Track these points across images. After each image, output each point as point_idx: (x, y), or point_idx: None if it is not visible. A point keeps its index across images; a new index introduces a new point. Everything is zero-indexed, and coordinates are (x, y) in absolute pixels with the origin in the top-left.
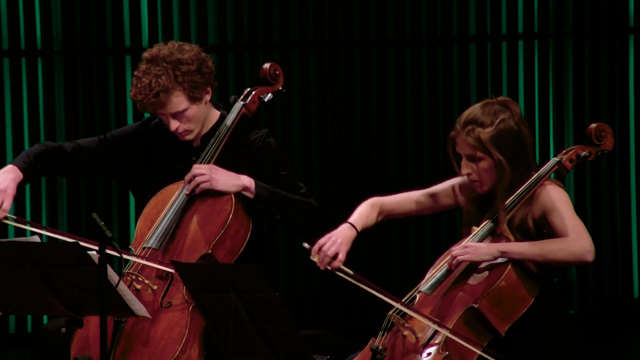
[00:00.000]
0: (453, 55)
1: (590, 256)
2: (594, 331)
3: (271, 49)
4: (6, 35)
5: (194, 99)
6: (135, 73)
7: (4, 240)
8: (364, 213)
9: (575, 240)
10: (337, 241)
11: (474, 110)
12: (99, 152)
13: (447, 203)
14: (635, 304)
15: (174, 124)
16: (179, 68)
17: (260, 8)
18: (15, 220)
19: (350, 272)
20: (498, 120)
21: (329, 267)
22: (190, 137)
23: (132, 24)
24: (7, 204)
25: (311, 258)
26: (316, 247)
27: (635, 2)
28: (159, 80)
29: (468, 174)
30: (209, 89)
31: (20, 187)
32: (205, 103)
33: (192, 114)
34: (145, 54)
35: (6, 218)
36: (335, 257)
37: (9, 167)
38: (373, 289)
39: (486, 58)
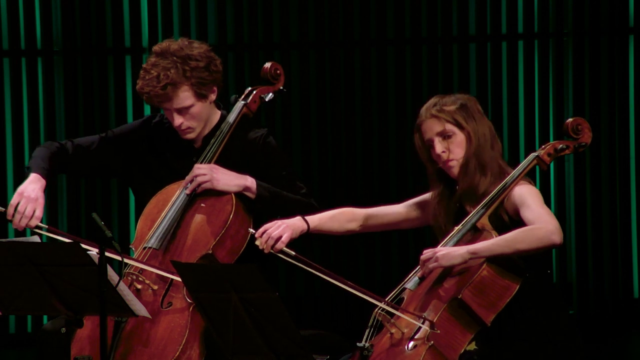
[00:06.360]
0: (453, 55)
1: (556, 238)
2: (594, 331)
3: (271, 49)
4: (6, 35)
5: (200, 96)
6: (144, 66)
7: (4, 240)
8: (325, 214)
9: (538, 226)
10: (281, 225)
11: (432, 99)
12: (99, 150)
13: (422, 216)
14: (635, 304)
15: (178, 120)
16: (187, 63)
17: (260, 8)
18: (48, 230)
19: (292, 252)
20: (460, 101)
21: (272, 250)
22: (191, 135)
23: (132, 24)
24: (40, 212)
25: (256, 242)
26: (261, 230)
27: (635, 2)
28: (168, 73)
29: (442, 152)
30: (215, 88)
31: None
32: (210, 102)
33: (196, 112)
34: (155, 48)
35: (39, 227)
36: (278, 239)
37: (34, 177)
38: (323, 273)
39: (486, 58)
